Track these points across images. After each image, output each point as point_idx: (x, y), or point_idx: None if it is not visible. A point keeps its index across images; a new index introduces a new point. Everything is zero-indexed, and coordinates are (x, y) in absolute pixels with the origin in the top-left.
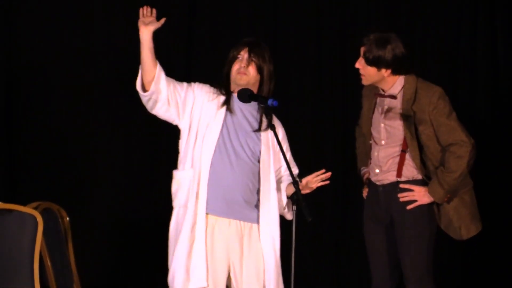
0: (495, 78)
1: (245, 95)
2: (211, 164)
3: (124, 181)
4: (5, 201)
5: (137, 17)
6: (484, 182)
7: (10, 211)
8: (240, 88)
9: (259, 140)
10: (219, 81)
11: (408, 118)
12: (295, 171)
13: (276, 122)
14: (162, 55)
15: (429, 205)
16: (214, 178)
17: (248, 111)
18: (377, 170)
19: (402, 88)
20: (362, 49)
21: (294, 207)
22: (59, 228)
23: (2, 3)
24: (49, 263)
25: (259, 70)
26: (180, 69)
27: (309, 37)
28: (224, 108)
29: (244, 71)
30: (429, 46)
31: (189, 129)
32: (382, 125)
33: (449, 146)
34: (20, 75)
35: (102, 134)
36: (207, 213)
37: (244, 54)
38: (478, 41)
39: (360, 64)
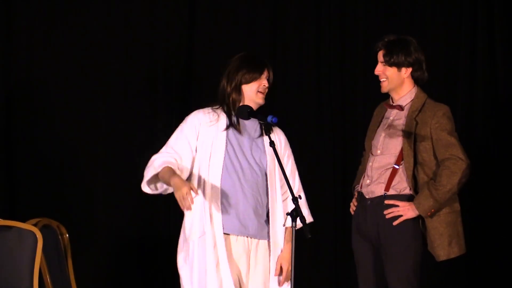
0: (494, 83)
1: (245, 112)
2: (221, 185)
3: (124, 197)
4: (5, 217)
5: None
6: (483, 187)
7: (9, 227)
8: (257, 106)
9: (264, 151)
10: (218, 101)
11: (409, 128)
12: (301, 192)
13: (278, 132)
14: (162, 59)
15: (415, 221)
16: (225, 198)
17: (249, 124)
18: (368, 181)
19: (411, 101)
20: (381, 53)
21: (294, 224)
22: (59, 245)
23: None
24: (48, 280)
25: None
26: (180, 74)
27: (308, 48)
28: (225, 132)
29: (265, 91)
30: (428, 52)
31: (195, 159)
32: (383, 134)
33: (444, 161)
34: (19, 92)
35: (102, 151)
36: (225, 233)
37: (265, 74)
38: (477, 46)
39: (379, 69)
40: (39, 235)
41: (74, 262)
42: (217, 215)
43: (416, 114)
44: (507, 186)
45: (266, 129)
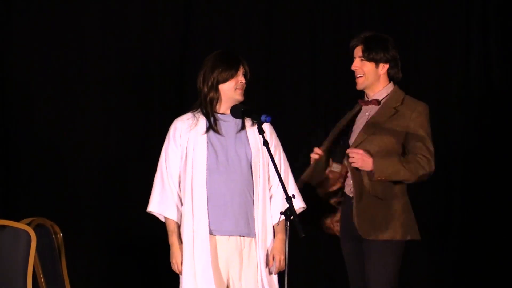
0: (489, 88)
1: (238, 112)
2: (207, 186)
3: (118, 197)
4: None
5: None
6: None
7: (3, 227)
8: (236, 102)
9: (248, 144)
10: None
11: (388, 119)
12: (297, 194)
13: (267, 128)
14: (156, 57)
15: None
16: (212, 198)
17: (230, 120)
18: (351, 180)
19: (387, 95)
20: (359, 49)
21: (288, 223)
22: (53, 244)
23: None
24: (42, 279)
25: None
26: (174, 73)
27: (303, 44)
28: (205, 135)
29: (243, 87)
30: (422, 57)
31: (184, 164)
32: (362, 132)
33: (418, 155)
34: (12, 91)
35: (96, 150)
36: (212, 234)
37: (241, 70)
38: (471, 49)
39: (357, 64)
40: (33, 235)
41: (68, 261)
42: (204, 218)
43: (394, 105)
44: (497, 184)
45: (260, 129)
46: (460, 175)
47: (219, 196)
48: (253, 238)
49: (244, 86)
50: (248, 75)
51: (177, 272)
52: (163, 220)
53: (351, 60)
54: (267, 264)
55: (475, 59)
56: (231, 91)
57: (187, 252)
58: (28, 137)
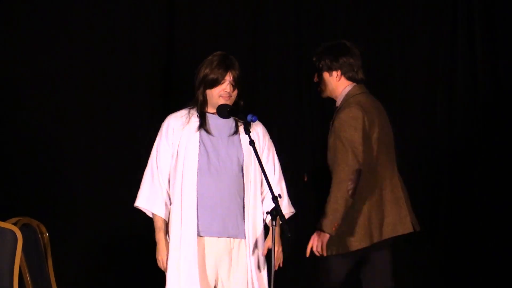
0: (474, 90)
1: (225, 111)
2: (197, 186)
3: (105, 196)
4: None
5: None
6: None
7: None
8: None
9: (241, 147)
10: (191, 101)
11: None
12: (281, 182)
13: (256, 125)
14: (142, 56)
15: None
16: (202, 200)
17: (224, 122)
18: None
19: (342, 100)
20: (314, 61)
21: (274, 223)
22: (39, 244)
23: None
24: (28, 279)
25: (238, 88)
26: (159, 72)
27: (288, 45)
28: (198, 132)
29: (228, 96)
30: (408, 58)
31: (175, 163)
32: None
33: (331, 167)
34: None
35: (82, 149)
36: (200, 236)
37: (227, 79)
38: (457, 52)
39: (316, 76)
40: (19, 234)
41: (54, 261)
42: (193, 219)
43: (335, 114)
44: (483, 184)
45: (246, 128)
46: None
47: (208, 197)
48: (242, 239)
49: (230, 94)
50: (237, 82)
51: (162, 269)
52: (150, 215)
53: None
54: (258, 266)
55: (460, 59)
56: (215, 97)
57: (173, 252)
58: (13, 135)
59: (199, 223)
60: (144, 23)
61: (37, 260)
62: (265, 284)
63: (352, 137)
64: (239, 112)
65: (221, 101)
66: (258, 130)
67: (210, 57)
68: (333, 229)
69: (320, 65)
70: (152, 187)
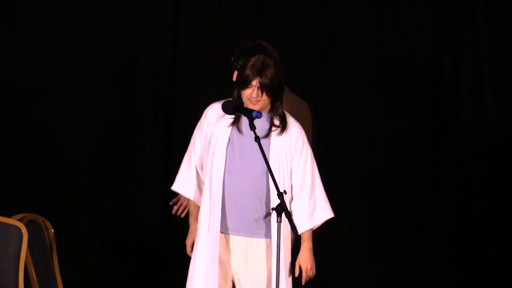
0: (480, 93)
1: (230, 107)
2: (224, 183)
3: (110, 192)
4: None
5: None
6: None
7: None
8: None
9: (268, 149)
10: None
11: None
12: (324, 204)
13: (293, 128)
14: (148, 56)
15: None
16: (227, 197)
17: (257, 122)
18: None
19: None
20: (232, 61)
21: (279, 219)
22: (44, 240)
23: None
24: (34, 275)
25: (271, 93)
26: (165, 71)
27: (293, 46)
28: (229, 128)
29: (257, 101)
30: (412, 60)
31: (206, 154)
32: None
33: None
34: (4, 89)
35: (88, 145)
36: (222, 232)
37: (254, 84)
38: (462, 55)
39: (234, 76)
40: (24, 230)
41: (60, 257)
42: (218, 215)
43: None
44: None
45: (251, 124)
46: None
47: (231, 195)
48: (260, 239)
49: (258, 99)
50: (268, 88)
51: (187, 253)
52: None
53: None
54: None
55: (467, 68)
56: (245, 100)
57: (198, 242)
58: (18, 132)
59: (222, 219)
60: (149, 23)
61: (43, 256)
62: (286, 285)
63: None
64: (243, 108)
65: (250, 105)
66: (293, 134)
67: (252, 58)
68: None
69: (238, 65)
70: (188, 173)
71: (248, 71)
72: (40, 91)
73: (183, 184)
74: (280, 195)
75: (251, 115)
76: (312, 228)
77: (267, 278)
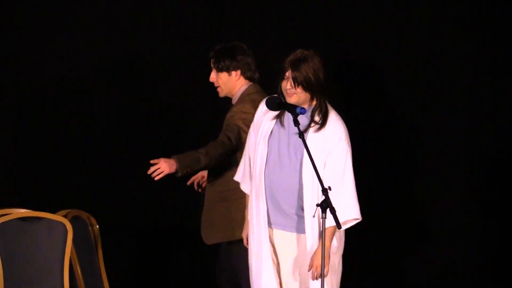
0: None
1: (274, 103)
2: (265, 178)
3: (154, 188)
4: (35, 209)
5: None
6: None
7: (39, 219)
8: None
9: (305, 144)
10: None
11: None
12: (354, 204)
13: (333, 125)
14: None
15: None
16: (269, 191)
17: (299, 116)
18: None
19: (238, 98)
20: (212, 62)
21: (324, 215)
22: (89, 236)
23: None
24: (79, 271)
25: (307, 87)
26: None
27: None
28: (273, 121)
29: (291, 93)
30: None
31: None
32: None
33: (221, 135)
34: (44, 86)
35: (132, 142)
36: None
37: (289, 76)
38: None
39: (212, 76)
40: (69, 226)
41: (104, 253)
42: (263, 207)
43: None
44: None
45: (295, 120)
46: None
47: (270, 188)
48: (300, 234)
49: (293, 91)
50: (301, 82)
51: (244, 245)
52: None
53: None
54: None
55: None
56: (283, 91)
57: (250, 236)
58: (61, 129)
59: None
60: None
61: (87, 252)
62: (328, 279)
63: (240, 125)
64: (287, 104)
65: (288, 98)
66: (331, 130)
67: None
68: (184, 171)
69: (220, 66)
70: (244, 165)
71: (284, 63)
72: (80, 92)
73: (242, 175)
74: (325, 191)
75: (295, 111)
76: (335, 226)
77: (309, 273)
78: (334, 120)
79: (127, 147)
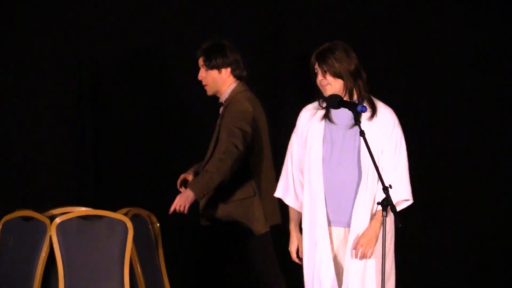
0: None
1: (335, 102)
2: (323, 175)
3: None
4: (95, 207)
5: None
6: None
7: (100, 217)
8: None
9: (359, 140)
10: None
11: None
12: (405, 185)
13: (383, 113)
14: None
15: None
16: (326, 190)
17: (343, 113)
18: None
19: (228, 96)
20: (201, 59)
21: (385, 213)
22: (149, 234)
23: None
24: (139, 269)
25: (337, 75)
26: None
27: None
28: (322, 122)
29: (325, 84)
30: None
31: (305, 154)
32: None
33: (220, 147)
34: (102, 86)
35: (190, 140)
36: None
37: (317, 68)
38: None
39: (202, 74)
40: (129, 225)
41: (165, 251)
42: (322, 207)
43: (224, 109)
44: None
45: (356, 119)
46: None
47: (330, 187)
48: (353, 229)
49: (327, 82)
50: (332, 74)
51: (293, 259)
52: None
53: None
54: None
55: None
56: (319, 86)
57: (307, 243)
58: (124, 130)
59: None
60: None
61: (148, 251)
62: (381, 272)
63: (244, 127)
64: (348, 103)
65: (323, 91)
66: (383, 116)
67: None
68: (201, 194)
69: (212, 64)
70: (287, 179)
71: (311, 59)
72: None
73: (283, 190)
74: (386, 189)
75: (356, 109)
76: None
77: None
78: (383, 107)
79: (188, 146)
